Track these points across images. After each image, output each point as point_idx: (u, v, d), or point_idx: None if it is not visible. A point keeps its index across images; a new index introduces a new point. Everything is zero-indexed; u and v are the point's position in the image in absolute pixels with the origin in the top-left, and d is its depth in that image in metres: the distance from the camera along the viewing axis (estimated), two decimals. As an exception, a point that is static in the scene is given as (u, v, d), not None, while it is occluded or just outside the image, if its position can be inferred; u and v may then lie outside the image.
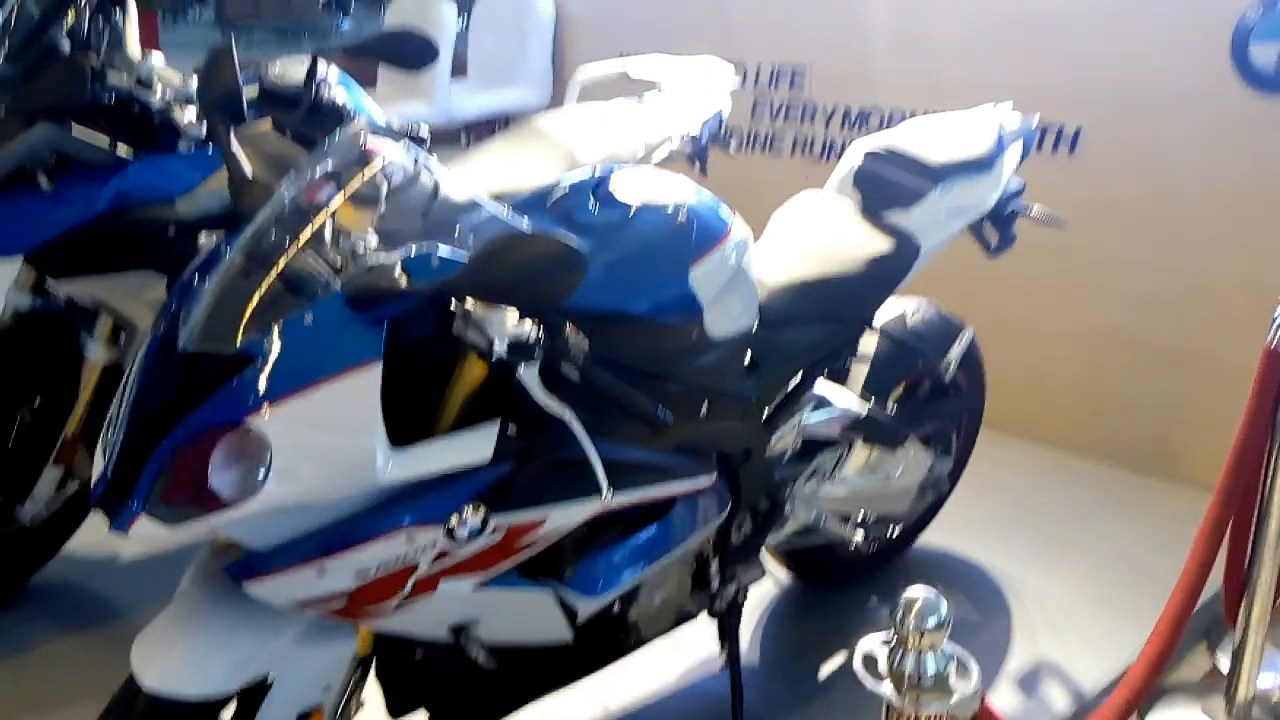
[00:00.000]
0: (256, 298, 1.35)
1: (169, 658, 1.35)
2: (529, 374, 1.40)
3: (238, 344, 1.31)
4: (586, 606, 1.61)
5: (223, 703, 1.37)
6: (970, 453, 2.61)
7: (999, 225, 2.36)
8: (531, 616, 1.59)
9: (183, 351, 1.34)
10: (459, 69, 4.86)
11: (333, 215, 1.45)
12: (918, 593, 1.26)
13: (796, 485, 2.09)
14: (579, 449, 1.45)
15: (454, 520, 1.39)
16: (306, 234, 1.42)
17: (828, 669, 2.28)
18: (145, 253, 2.17)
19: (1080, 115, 3.04)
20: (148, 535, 1.27)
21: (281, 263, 1.39)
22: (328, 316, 1.32)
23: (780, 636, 2.37)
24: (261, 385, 1.28)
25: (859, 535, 2.27)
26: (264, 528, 1.32)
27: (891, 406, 2.26)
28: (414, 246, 1.38)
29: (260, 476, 1.26)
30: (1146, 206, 2.98)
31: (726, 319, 1.73)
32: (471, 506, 1.40)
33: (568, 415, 1.43)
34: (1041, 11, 3.11)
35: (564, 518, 1.50)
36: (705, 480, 1.74)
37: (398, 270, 1.33)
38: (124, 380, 1.41)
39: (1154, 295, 3.01)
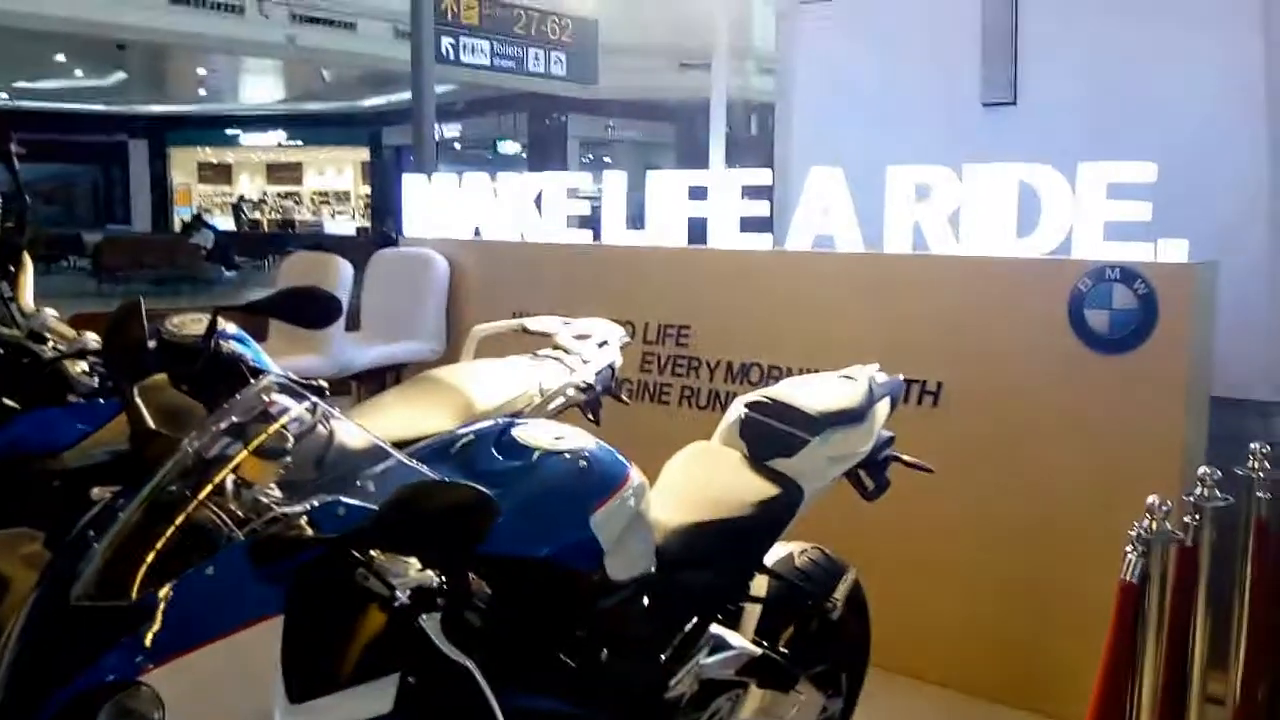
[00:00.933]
0: (156, 550, 1.36)
1: None
2: (431, 624, 1.42)
3: (134, 597, 1.30)
4: None
5: None
6: (859, 692, 2.64)
7: (873, 472, 2.50)
8: None
9: (75, 605, 1.32)
10: (352, 322, 4.98)
11: (236, 468, 1.48)
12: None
13: (694, 731, 2.08)
14: (482, 698, 1.45)
15: None
16: (210, 486, 1.45)
17: None
18: (25, 506, 2.13)
19: (942, 372, 3.30)
20: None
21: (183, 515, 1.41)
22: (229, 569, 1.33)
23: None
24: (157, 641, 1.26)
25: (757, 784, 2.24)
26: None
27: (784, 647, 2.29)
28: (319, 497, 1.42)
29: None
30: (1005, 453, 3.20)
31: (626, 562, 1.79)
32: None
33: (470, 665, 1.44)
34: (904, 281, 3.42)
35: None
36: None
37: (303, 521, 1.36)
38: (4, 637, 1.37)
39: (1018, 535, 3.17)
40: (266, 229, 26.21)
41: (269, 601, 1.31)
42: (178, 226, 23.41)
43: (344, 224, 26.01)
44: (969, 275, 3.29)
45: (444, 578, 1.42)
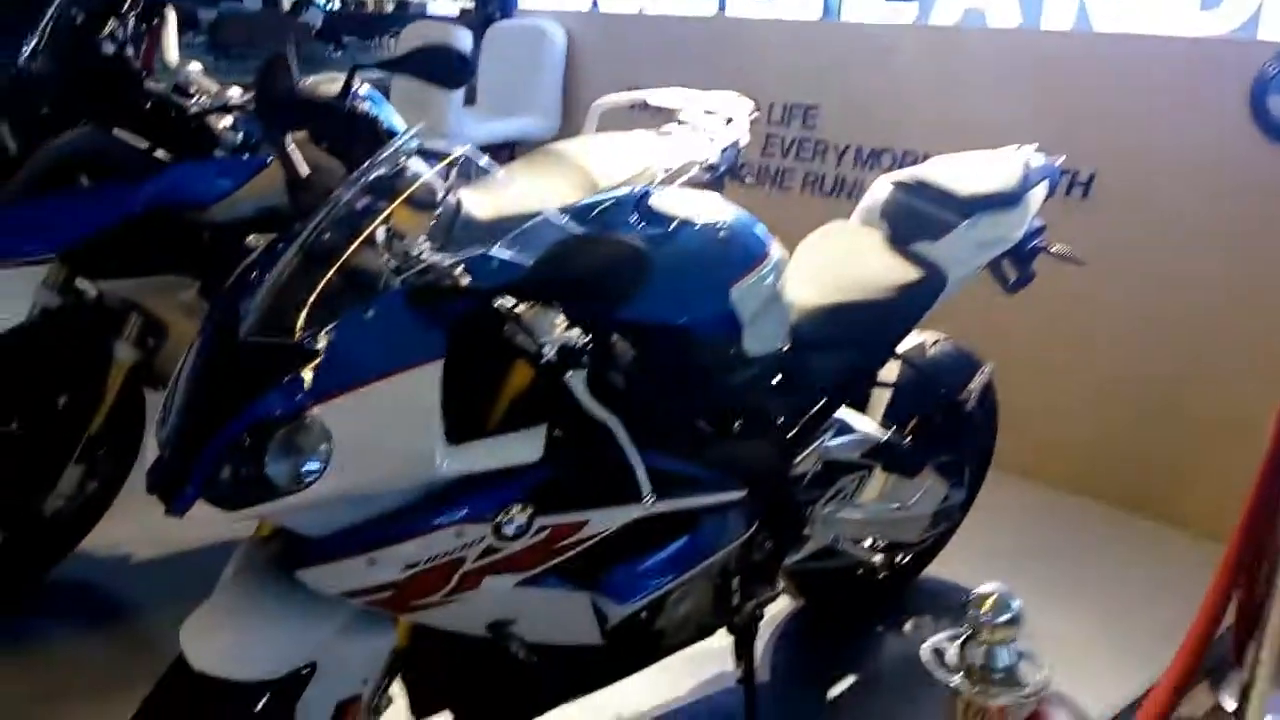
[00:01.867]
0: (318, 291, 1.38)
1: (220, 640, 1.37)
2: (577, 380, 1.43)
3: (299, 335, 1.33)
4: (617, 612, 1.63)
5: (268, 686, 1.37)
6: (980, 486, 2.63)
7: (1019, 262, 2.40)
8: (566, 618, 1.61)
9: (243, 342, 1.36)
10: (468, 95, 4.92)
11: (389, 218, 1.48)
12: (990, 588, 1.31)
13: (816, 507, 2.11)
14: (622, 455, 1.48)
15: (502, 518, 1.41)
16: (366, 233, 1.46)
17: (837, 689, 2.30)
18: (179, 256, 2.20)
19: (1095, 160, 3.08)
20: (203, 519, 1.28)
21: (341, 259, 1.42)
22: (390, 313, 1.35)
23: (791, 655, 2.38)
24: (323, 377, 1.30)
25: (876, 560, 2.29)
26: (318, 517, 1.34)
27: (911, 435, 2.28)
28: (472, 249, 1.42)
29: (318, 467, 1.28)
30: (1158, 253, 3.01)
31: (762, 339, 1.77)
32: (519, 506, 1.43)
33: (613, 422, 1.46)
34: (1059, 56, 3.16)
35: (604, 522, 1.53)
36: (735, 495, 1.76)
37: (459, 270, 1.36)
38: (178, 370, 1.43)
39: (1162, 342, 3.03)
40: (372, 8, 25.79)
41: (430, 345, 1.33)
42: (287, 4, 23.12)
43: (445, 4, 25.39)
44: (1136, 55, 3.01)
45: (589, 337, 1.42)
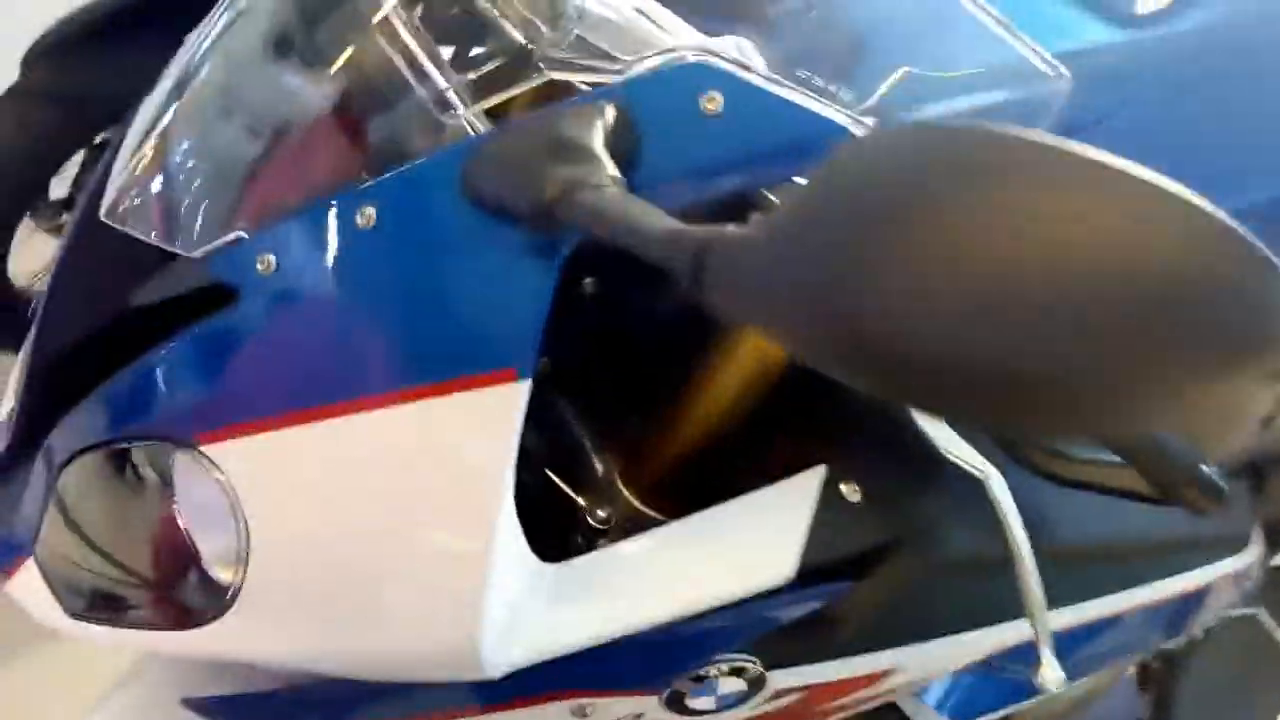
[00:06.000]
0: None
1: None
2: None
3: (201, 249, 0.55)
4: None
5: None
6: None
7: None
8: None
9: (107, 228, 0.60)
10: None
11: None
12: None
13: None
14: (981, 539, 0.60)
15: (682, 682, 0.62)
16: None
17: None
18: None
19: None
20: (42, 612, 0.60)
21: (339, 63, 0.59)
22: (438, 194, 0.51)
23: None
24: (239, 366, 0.52)
25: None
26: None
27: None
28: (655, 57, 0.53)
29: (232, 574, 0.53)
30: None
31: None
32: (725, 659, 0.62)
33: (992, 476, 0.58)
34: None
35: (928, 661, 0.69)
36: (1243, 559, 0.84)
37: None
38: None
39: None
40: None
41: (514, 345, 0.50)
42: None
43: None
44: None
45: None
